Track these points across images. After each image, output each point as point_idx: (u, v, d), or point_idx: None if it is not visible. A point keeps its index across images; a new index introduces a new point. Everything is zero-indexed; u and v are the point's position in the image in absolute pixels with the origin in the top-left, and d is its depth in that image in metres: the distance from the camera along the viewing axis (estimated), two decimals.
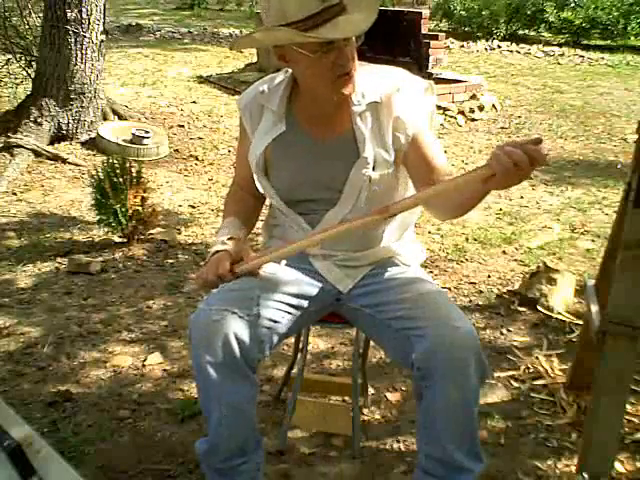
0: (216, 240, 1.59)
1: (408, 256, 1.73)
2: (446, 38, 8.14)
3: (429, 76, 6.47)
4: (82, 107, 5.03)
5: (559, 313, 2.78)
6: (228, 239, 1.56)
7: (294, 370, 2.08)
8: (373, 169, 1.55)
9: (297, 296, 1.62)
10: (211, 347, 1.45)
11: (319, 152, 1.59)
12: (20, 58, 5.63)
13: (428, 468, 1.53)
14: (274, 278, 1.63)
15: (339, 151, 1.58)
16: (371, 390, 2.23)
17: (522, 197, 4.32)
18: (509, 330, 2.67)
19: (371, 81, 1.56)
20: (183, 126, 5.64)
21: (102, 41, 5.03)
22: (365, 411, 2.14)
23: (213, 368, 1.46)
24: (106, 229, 3.38)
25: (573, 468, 1.88)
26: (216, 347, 1.45)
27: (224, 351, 1.45)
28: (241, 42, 1.52)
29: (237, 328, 1.47)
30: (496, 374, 2.36)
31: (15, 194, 4.15)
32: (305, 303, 1.64)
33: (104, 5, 4.99)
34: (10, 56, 5.69)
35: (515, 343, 2.57)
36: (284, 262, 1.69)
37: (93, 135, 5.06)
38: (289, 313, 1.60)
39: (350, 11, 1.40)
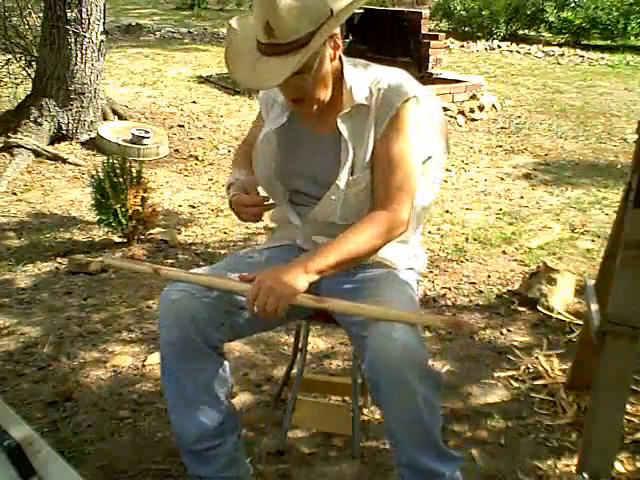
0: (231, 181, 1.69)
1: (397, 258, 1.68)
2: (446, 38, 8.14)
3: (429, 76, 6.48)
4: (82, 107, 5.02)
5: (559, 313, 2.78)
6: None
7: (294, 370, 2.08)
8: (352, 171, 1.56)
9: None
10: (170, 326, 1.50)
11: (313, 145, 1.62)
12: (20, 58, 5.62)
13: (402, 475, 1.53)
14: (251, 263, 1.66)
15: (328, 147, 1.60)
16: None
17: (522, 197, 4.32)
18: (509, 330, 2.67)
19: (363, 82, 1.57)
20: (183, 126, 5.63)
21: (102, 41, 5.03)
22: (365, 411, 2.14)
23: (172, 346, 1.50)
24: (106, 229, 3.39)
25: (573, 468, 1.88)
26: (173, 326, 1.49)
27: (180, 329, 1.49)
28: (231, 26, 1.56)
29: (192, 308, 1.49)
30: (496, 374, 2.36)
31: (15, 194, 4.15)
32: None
33: (104, 5, 4.99)
34: (10, 56, 5.68)
35: (515, 343, 2.57)
36: (267, 254, 1.71)
37: (93, 135, 5.06)
38: None
39: (296, 58, 1.41)
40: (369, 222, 1.53)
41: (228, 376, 1.62)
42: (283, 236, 1.77)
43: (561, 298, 2.83)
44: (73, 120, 5.01)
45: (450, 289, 3.02)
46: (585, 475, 1.70)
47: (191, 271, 1.63)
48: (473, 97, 6.42)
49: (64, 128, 4.99)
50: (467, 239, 3.59)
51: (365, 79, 1.58)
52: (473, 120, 6.20)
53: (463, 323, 1.49)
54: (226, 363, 1.60)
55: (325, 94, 1.53)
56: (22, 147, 4.66)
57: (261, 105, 1.74)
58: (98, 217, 3.33)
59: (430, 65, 6.64)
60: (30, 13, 5.86)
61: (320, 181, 1.61)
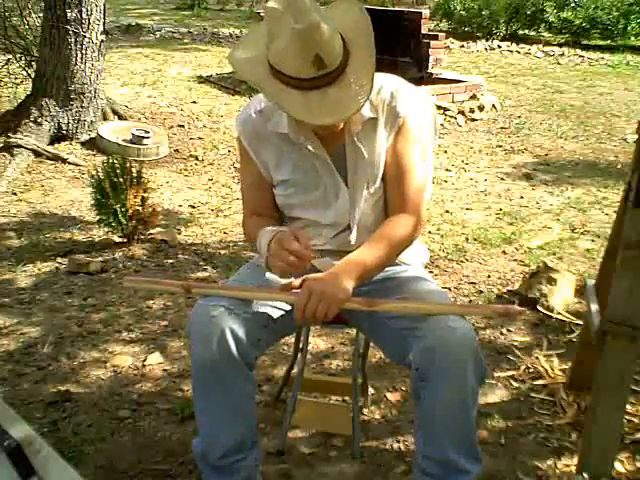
0: (263, 243, 1.54)
1: (409, 256, 1.73)
2: (446, 38, 8.13)
3: (429, 76, 6.48)
4: (82, 107, 5.03)
5: (559, 313, 2.78)
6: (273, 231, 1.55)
7: (294, 370, 2.08)
8: (367, 185, 1.60)
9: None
10: (208, 343, 1.46)
11: (321, 165, 1.61)
12: (20, 58, 5.63)
13: (426, 468, 1.52)
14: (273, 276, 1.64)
15: (337, 165, 1.61)
16: (371, 390, 2.23)
17: (522, 197, 4.32)
18: (509, 330, 2.67)
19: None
20: (183, 126, 5.63)
21: (102, 41, 5.04)
22: (365, 411, 2.14)
23: (210, 364, 1.47)
24: (106, 229, 3.39)
25: (573, 468, 1.88)
26: (213, 343, 1.46)
27: (221, 347, 1.46)
28: (232, 56, 1.47)
29: (234, 325, 1.47)
30: (496, 374, 2.36)
31: (15, 194, 4.15)
32: None
33: (104, 5, 4.99)
34: (10, 56, 5.68)
35: (515, 343, 2.57)
36: None
37: (93, 135, 5.06)
38: (286, 312, 1.60)
39: (348, 80, 1.39)
40: (395, 225, 1.57)
41: (256, 390, 1.62)
42: None
43: (561, 298, 2.83)
44: (73, 120, 5.01)
45: (450, 289, 3.01)
46: (585, 475, 1.70)
47: (220, 284, 1.61)
48: (473, 97, 6.42)
49: (64, 128, 4.99)
50: (467, 239, 3.59)
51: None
52: (473, 120, 6.20)
53: (514, 311, 1.49)
54: (255, 379, 1.59)
55: None
56: (22, 147, 4.66)
57: (250, 144, 1.64)
58: (98, 217, 3.33)
59: (430, 65, 6.64)
60: (30, 13, 5.86)
61: (332, 201, 1.63)
